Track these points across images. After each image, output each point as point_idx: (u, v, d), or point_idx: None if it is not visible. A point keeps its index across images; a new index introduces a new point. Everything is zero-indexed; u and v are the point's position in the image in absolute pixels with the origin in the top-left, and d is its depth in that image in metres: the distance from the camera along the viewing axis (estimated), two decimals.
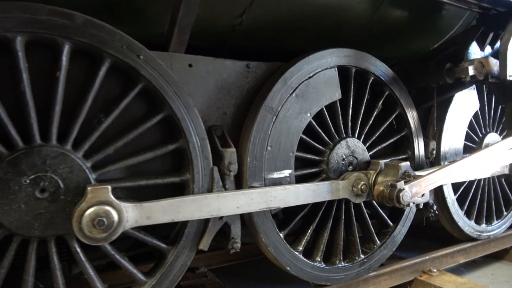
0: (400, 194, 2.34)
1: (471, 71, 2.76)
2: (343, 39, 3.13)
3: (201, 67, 2.41)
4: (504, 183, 4.02)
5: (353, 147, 2.81)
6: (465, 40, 3.08)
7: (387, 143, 3.06)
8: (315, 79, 2.64)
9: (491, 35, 3.06)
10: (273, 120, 2.47)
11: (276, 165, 2.50)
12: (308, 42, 3.08)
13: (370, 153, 2.95)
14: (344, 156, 2.78)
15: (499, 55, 2.81)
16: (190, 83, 2.37)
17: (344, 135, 2.81)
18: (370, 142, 2.96)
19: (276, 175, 2.50)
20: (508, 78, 2.78)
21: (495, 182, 3.94)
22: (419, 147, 3.21)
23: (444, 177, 2.60)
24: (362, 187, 2.62)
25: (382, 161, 2.78)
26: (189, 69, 2.37)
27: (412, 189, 2.42)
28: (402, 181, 2.41)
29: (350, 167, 2.81)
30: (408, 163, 2.68)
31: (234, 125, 2.55)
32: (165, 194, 2.19)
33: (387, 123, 3.07)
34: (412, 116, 3.16)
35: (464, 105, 3.56)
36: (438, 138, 3.41)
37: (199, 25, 2.56)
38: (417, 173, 2.69)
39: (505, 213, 4.03)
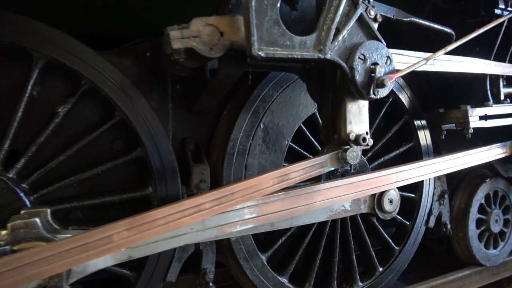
0: None
1: (176, 42, 1.44)
2: None
3: None
4: (377, 224, 2.65)
5: None
6: None
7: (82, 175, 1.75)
8: None
9: None
10: None
11: None
12: None
13: (38, 194, 1.67)
14: None
15: (243, 12, 1.48)
16: None
17: None
18: (40, 174, 1.68)
19: None
20: (256, 52, 1.45)
21: (358, 225, 2.57)
22: (168, 179, 1.90)
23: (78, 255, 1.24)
24: None
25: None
26: None
27: None
28: None
29: None
30: (17, 223, 1.37)
31: None
32: None
33: (90, 138, 1.77)
34: (146, 128, 1.85)
35: (281, 107, 2.23)
36: (220, 161, 2.09)
37: None
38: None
39: (379, 269, 2.65)
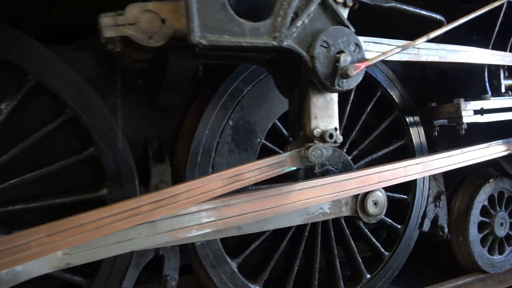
0: None
1: (108, 30, 1.31)
2: None
3: None
4: (364, 228, 2.46)
5: None
6: None
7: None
8: None
9: None
10: None
11: None
12: None
13: None
14: None
15: None
16: None
17: None
18: None
19: None
20: (197, 40, 1.31)
21: (342, 228, 2.39)
22: (124, 180, 1.79)
23: None
24: None
25: None
26: None
27: None
28: None
29: None
30: None
31: None
32: None
33: (37, 137, 1.67)
34: (99, 126, 1.74)
35: (253, 102, 2.09)
36: (184, 161, 1.96)
37: None
38: None
39: (367, 276, 2.46)
